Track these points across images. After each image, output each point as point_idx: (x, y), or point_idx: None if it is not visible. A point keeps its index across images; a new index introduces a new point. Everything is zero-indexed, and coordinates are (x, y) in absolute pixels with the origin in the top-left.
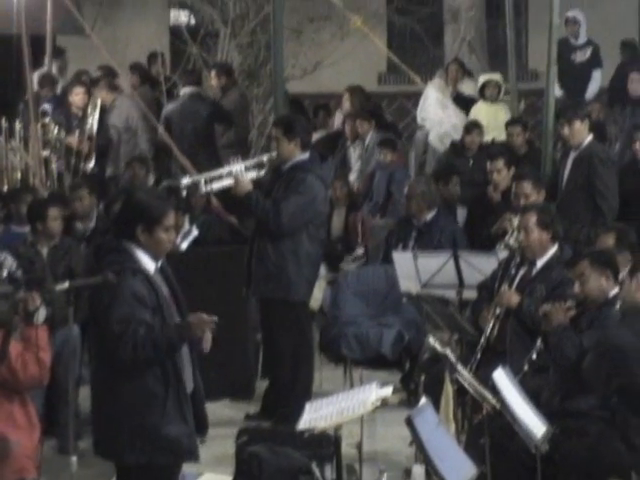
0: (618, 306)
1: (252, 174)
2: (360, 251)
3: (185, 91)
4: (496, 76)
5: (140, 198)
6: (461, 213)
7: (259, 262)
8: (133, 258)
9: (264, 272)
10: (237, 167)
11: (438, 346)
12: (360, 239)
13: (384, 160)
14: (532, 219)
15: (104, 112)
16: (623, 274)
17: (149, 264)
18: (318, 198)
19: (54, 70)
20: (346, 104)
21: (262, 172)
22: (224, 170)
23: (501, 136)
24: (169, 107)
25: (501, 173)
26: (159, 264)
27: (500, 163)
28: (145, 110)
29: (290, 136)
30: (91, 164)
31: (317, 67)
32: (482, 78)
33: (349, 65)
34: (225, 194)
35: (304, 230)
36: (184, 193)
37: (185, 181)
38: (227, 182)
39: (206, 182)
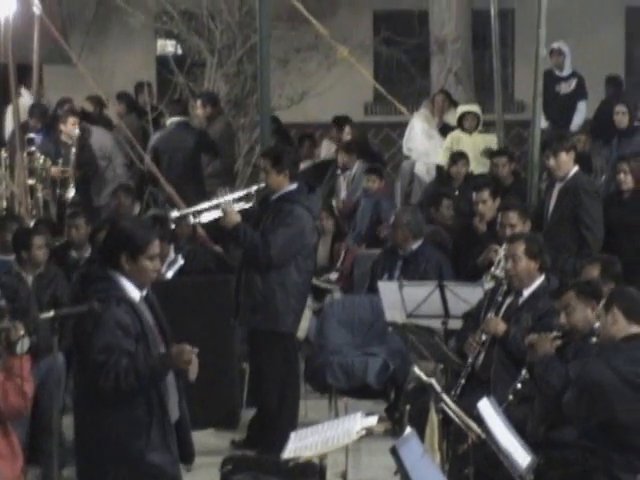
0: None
1: (240, 205)
2: (333, 276)
3: (172, 120)
4: (474, 107)
5: (124, 227)
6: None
7: (247, 293)
8: (118, 286)
9: (252, 303)
10: (225, 199)
11: (423, 376)
12: (339, 264)
13: (371, 187)
14: (520, 248)
15: (85, 141)
16: (599, 308)
17: (134, 292)
18: (306, 229)
19: (28, 99)
20: (347, 137)
21: (250, 203)
22: (212, 202)
23: (479, 168)
24: (156, 136)
25: (487, 204)
26: (144, 293)
27: (485, 194)
28: (131, 139)
29: (279, 168)
30: (71, 193)
31: (303, 97)
32: (460, 109)
33: (335, 95)
34: (211, 224)
35: (292, 261)
36: (173, 226)
37: (174, 214)
38: (215, 214)
39: (194, 215)
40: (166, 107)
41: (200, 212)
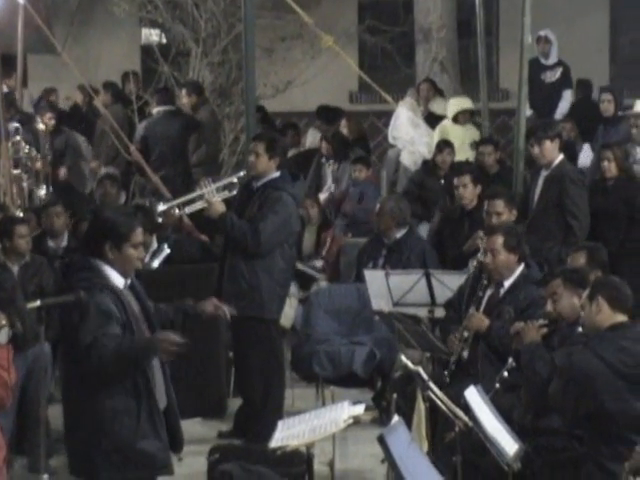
0: (580, 329)
1: (223, 195)
2: (318, 263)
3: (159, 109)
4: (467, 103)
5: (107, 216)
6: (424, 229)
7: (231, 280)
8: (102, 275)
9: (236, 290)
10: (208, 189)
11: (410, 364)
12: (324, 253)
13: (358, 177)
14: (498, 241)
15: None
16: (583, 297)
17: (118, 280)
18: (292, 217)
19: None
20: (343, 130)
21: (233, 192)
22: (195, 194)
23: (466, 157)
24: (144, 125)
25: (467, 188)
26: (129, 281)
27: (467, 178)
28: (117, 129)
29: (271, 153)
30: (42, 191)
31: (288, 86)
32: (454, 107)
33: (320, 84)
34: (197, 213)
35: (278, 248)
36: (159, 219)
37: (160, 208)
38: (200, 205)
39: (179, 207)
40: (151, 96)
41: (184, 204)
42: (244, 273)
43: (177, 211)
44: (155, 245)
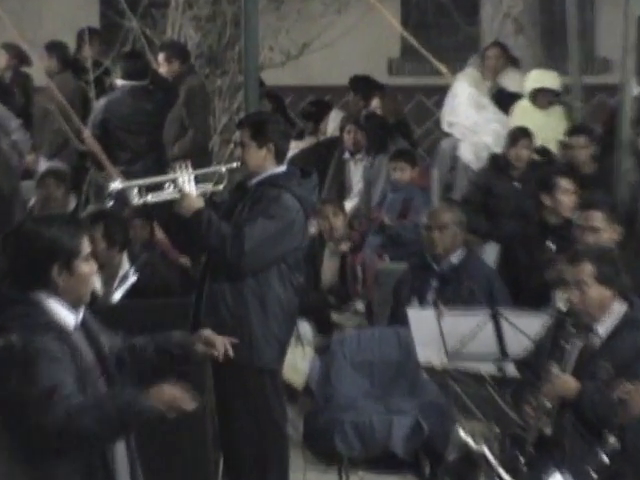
0: None
1: (204, 188)
2: (360, 305)
3: (125, 82)
4: (550, 78)
5: (46, 233)
6: (491, 251)
7: (211, 310)
8: (45, 311)
9: (217, 323)
10: (184, 176)
11: (471, 441)
12: (360, 289)
13: (399, 179)
14: (587, 271)
15: None
16: None
17: (67, 318)
18: (296, 225)
19: None
20: (378, 110)
21: (220, 186)
22: (166, 177)
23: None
24: (103, 103)
25: (567, 193)
26: (80, 315)
27: (565, 181)
28: (66, 106)
29: (261, 140)
30: None
31: (304, 51)
32: (533, 82)
33: (348, 48)
34: (174, 223)
35: (275, 269)
36: (109, 202)
37: (114, 186)
38: (169, 194)
39: (141, 191)
40: (115, 63)
41: (149, 189)
42: (227, 299)
43: (136, 199)
44: (126, 267)
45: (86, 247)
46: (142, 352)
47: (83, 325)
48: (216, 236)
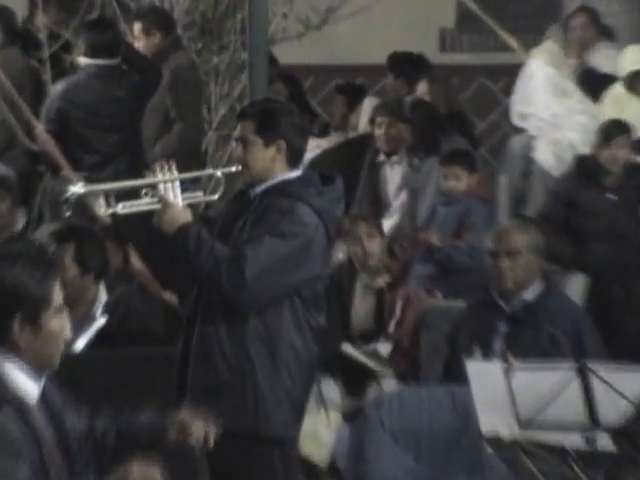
0: None
1: (194, 197)
2: (383, 347)
3: (89, 61)
4: None
5: (3, 275)
6: (578, 285)
7: (202, 361)
8: (1, 380)
9: (211, 378)
10: (166, 179)
11: None
12: (392, 326)
13: (453, 188)
14: None
15: None
16: None
17: (29, 387)
18: (314, 247)
19: None
20: (425, 97)
21: (215, 196)
22: (143, 181)
23: None
24: (62, 89)
25: None
26: (42, 383)
27: None
28: (12, 91)
29: (269, 137)
30: None
31: (328, 20)
32: (631, 60)
33: (386, 15)
34: (154, 244)
35: (286, 305)
36: (66, 213)
37: (75, 190)
38: (147, 204)
39: (109, 199)
40: (76, 35)
41: (119, 197)
42: (224, 346)
43: (102, 209)
44: (104, 298)
45: (57, 295)
46: (102, 438)
47: (43, 396)
48: (208, 260)
